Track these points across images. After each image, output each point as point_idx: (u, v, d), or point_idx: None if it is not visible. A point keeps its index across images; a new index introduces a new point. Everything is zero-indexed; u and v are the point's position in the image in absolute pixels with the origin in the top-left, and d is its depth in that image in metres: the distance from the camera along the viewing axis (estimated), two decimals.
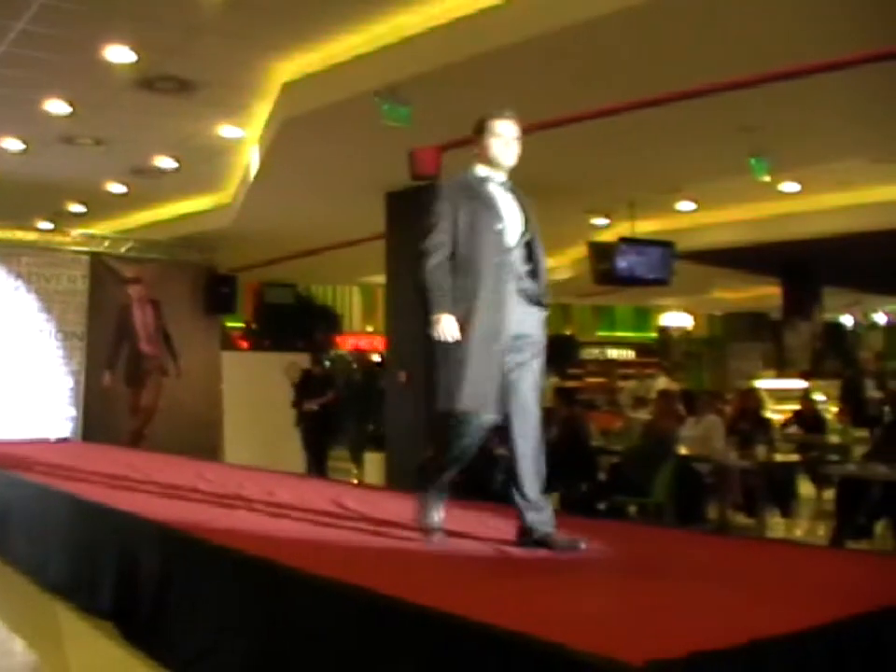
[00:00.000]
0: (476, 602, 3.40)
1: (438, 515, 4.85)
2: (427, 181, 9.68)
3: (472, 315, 4.49)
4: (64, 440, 13.42)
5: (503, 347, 4.54)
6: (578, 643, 2.83)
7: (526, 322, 4.68)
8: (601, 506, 9.14)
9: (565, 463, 9.39)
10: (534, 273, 4.76)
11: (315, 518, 5.68)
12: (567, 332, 25.68)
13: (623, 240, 12.84)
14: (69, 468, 9.01)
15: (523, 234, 4.77)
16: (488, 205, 4.72)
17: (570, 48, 7.38)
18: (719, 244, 16.28)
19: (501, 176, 4.90)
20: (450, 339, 4.45)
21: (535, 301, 4.74)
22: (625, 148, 10.15)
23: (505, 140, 4.82)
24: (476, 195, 4.74)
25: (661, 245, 13.22)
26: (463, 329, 4.47)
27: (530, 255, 4.77)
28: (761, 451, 9.98)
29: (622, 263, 12.57)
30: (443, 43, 7.79)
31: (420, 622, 3.33)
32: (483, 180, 4.82)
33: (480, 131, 4.87)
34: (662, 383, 14.87)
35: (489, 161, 4.85)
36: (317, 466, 13.19)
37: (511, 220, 4.75)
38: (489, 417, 4.59)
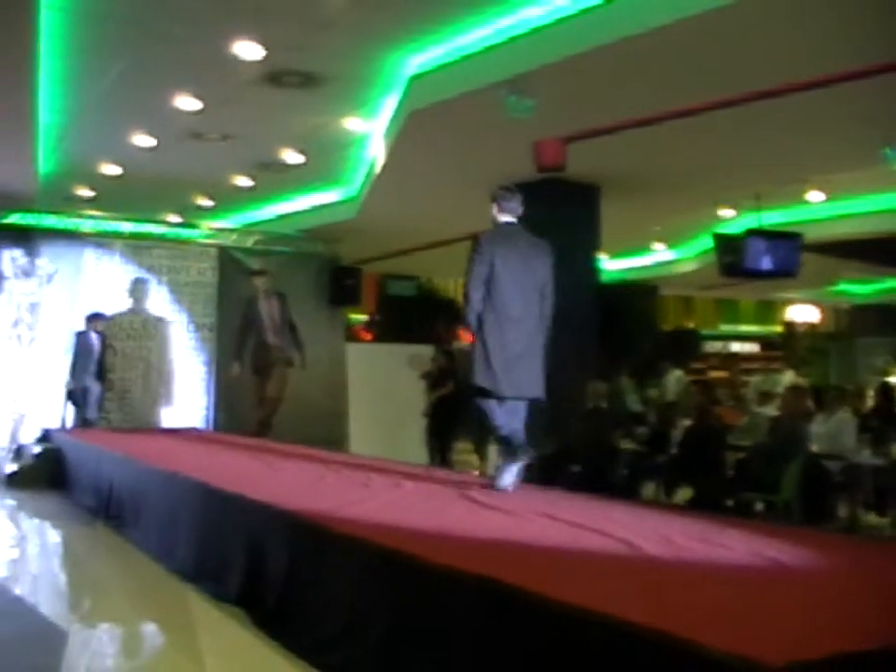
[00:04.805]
0: (606, 596, 3.36)
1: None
2: (551, 173, 9.67)
3: None
4: (194, 429, 13.71)
5: None
6: (713, 642, 2.78)
7: None
8: (728, 502, 8.99)
9: (696, 457, 9.26)
10: None
11: (443, 509, 5.68)
12: (689, 325, 25.30)
13: (750, 231, 12.58)
14: (199, 456, 9.19)
15: None
16: None
17: (697, 37, 7.28)
18: (847, 235, 15.90)
19: None
20: None
21: None
22: (753, 139, 9.97)
23: None
24: None
25: (788, 236, 12.93)
26: None
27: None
28: (895, 449, 9.71)
29: (748, 255, 12.32)
30: (569, 34, 7.73)
31: (550, 616, 3.31)
32: None
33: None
34: (789, 378, 14.55)
35: None
36: (440, 457, 13.20)
37: None
38: None
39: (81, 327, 12.66)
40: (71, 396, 12.55)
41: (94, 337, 12.65)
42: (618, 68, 7.95)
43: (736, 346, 27.20)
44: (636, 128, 8.83)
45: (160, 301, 14.14)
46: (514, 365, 6.48)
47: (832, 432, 9.87)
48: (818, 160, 11.24)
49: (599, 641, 3.11)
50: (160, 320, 14.09)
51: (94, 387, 12.61)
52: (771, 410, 11.44)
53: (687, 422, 10.21)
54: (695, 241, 17.38)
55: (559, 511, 5.43)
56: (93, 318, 12.78)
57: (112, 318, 13.24)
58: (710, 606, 3.37)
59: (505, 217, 6.69)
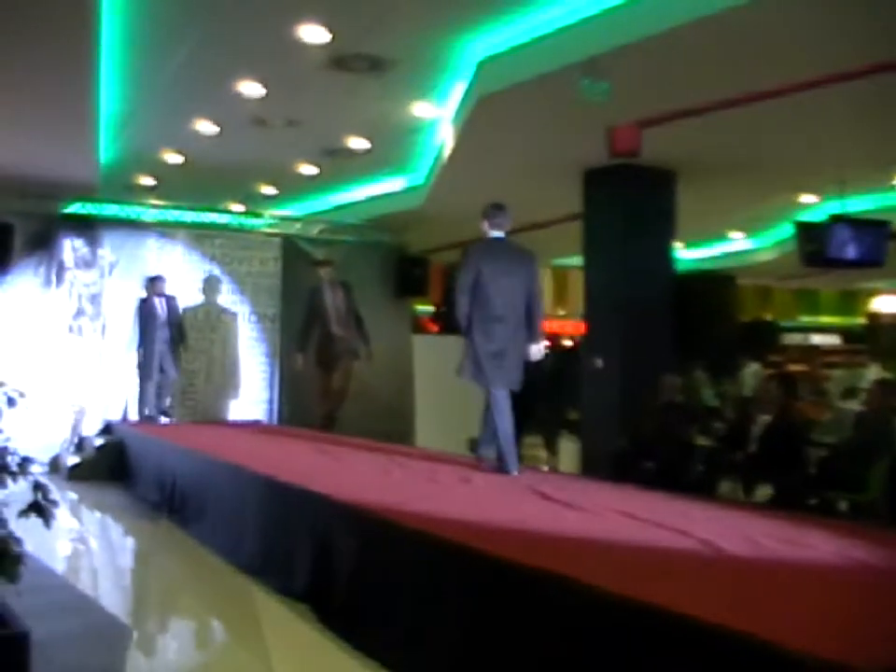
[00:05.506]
0: (691, 598, 3.28)
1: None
2: (626, 159, 9.43)
3: None
4: (258, 422, 13.62)
5: None
6: (804, 646, 2.72)
7: None
8: (811, 501, 8.67)
9: (776, 454, 8.96)
10: None
11: (516, 505, 5.68)
12: (767, 317, 24.79)
13: (835, 218, 12.13)
14: (263, 450, 9.17)
15: None
16: None
17: (776, 18, 7.03)
18: None
19: None
20: None
21: None
22: (836, 122, 9.63)
23: None
24: None
25: (875, 224, 12.46)
26: None
27: None
28: None
29: (832, 244, 11.88)
30: (644, 15, 7.48)
31: (632, 615, 3.26)
32: None
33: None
34: (874, 372, 14.09)
35: None
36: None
37: None
38: None
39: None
40: (141, 370, 12.45)
41: (158, 301, 12.55)
42: (695, 50, 7.70)
43: (817, 338, 26.66)
44: (713, 112, 8.63)
45: (222, 292, 14.05)
46: (499, 359, 7.48)
47: None
48: None
49: (687, 644, 3.04)
50: (223, 312, 14.00)
51: (161, 372, 12.51)
52: (855, 405, 11.06)
53: (766, 417, 9.88)
54: (775, 229, 16.96)
55: (636, 509, 5.36)
56: (153, 280, 12.70)
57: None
58: (798, 609, 3.29)
59: (494, 233, 7.66)
